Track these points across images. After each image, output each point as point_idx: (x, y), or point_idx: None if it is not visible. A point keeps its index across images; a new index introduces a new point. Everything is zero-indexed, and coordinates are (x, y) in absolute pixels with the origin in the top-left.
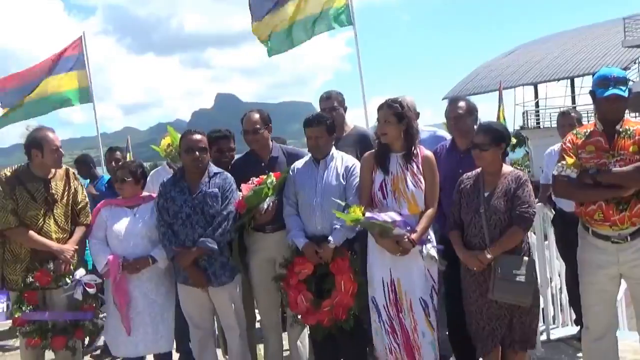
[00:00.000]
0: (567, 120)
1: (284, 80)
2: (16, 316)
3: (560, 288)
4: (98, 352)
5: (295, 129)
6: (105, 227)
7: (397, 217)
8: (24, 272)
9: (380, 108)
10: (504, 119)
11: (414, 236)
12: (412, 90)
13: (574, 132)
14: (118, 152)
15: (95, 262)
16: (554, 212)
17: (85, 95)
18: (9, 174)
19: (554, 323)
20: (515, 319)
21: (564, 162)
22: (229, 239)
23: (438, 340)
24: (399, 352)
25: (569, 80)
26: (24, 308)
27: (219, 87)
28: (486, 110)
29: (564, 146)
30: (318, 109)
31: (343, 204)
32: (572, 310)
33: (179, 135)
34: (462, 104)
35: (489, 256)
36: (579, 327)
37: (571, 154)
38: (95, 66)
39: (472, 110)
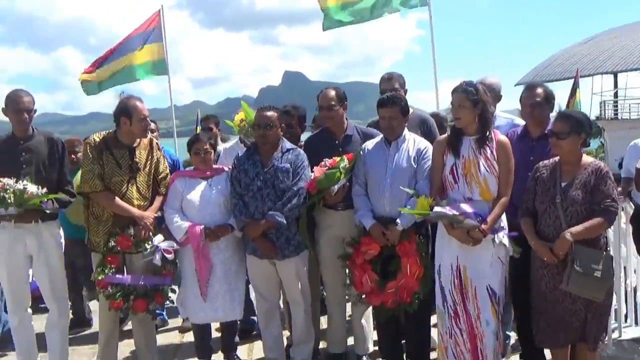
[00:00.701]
0: None
1: (352, 60)
2: (99, 278)
3: (635, 287)
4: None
5: (360, 109)
6: (181, 198)
7: (468, 209)
8: (106, 235)
9: (454, 91)
10: (579, 108)
11: (485, 226)
12: (483, 74)
13: None
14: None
15: (172, 231)
16: (633, 208)
17: (161, 67)
18: (97, 139)
19: (626, 322)
20: (590, 315)
21: None
22: (297, 215)
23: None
24: (459, 336)
25: None
26: (106, 271)
27: (287, 65)
28: (561, 98)
29: None
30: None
31: (411, 192)
32: None
33: (252, 111)
34: (539, 90)
35: (568, 237)
36: None
37: None
38: (168, 39)
39: (549, 98)
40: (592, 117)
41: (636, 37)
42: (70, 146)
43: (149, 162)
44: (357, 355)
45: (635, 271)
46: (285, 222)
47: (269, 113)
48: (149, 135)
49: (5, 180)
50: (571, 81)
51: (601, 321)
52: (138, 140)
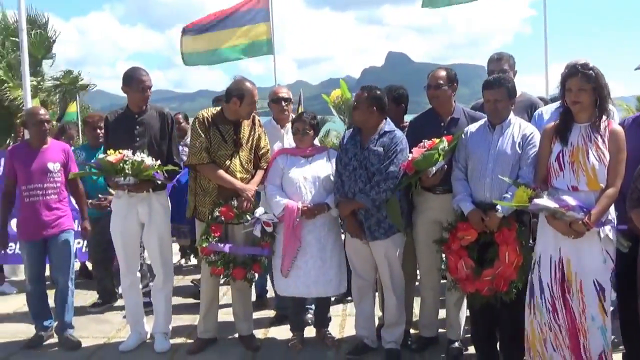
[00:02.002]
0: None
1: (458, 41)
2: (203, 246)
3: None
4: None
5: (464, 93)
6: (282, 175)
7: (572, 202)
8: (211, 206)
9: (572, 75)
10: None
11: (589, 220)
12: (599, 60)
13: None
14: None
15: (271, 206)
16: None
17: (267, 47)
18: (206, 115)
19: None
20: None
21: None
22: (386, 198)
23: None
24: (559, 332)
25: None
26: (210, 239)
27: (390, 45)
28: None
29: None
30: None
31: (511, 182)
32: None
33: (349, 91)
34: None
35: None
36: None
37: None
38: (274, 19)
39: None
40: None
41: None
42: (94, 121)
43: (251, 138)
44: (448, 339)
45: None
46: (370, 204)
47: (365, 95)
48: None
49: (125, 152)
50: None
51: None
52: (243, 119)
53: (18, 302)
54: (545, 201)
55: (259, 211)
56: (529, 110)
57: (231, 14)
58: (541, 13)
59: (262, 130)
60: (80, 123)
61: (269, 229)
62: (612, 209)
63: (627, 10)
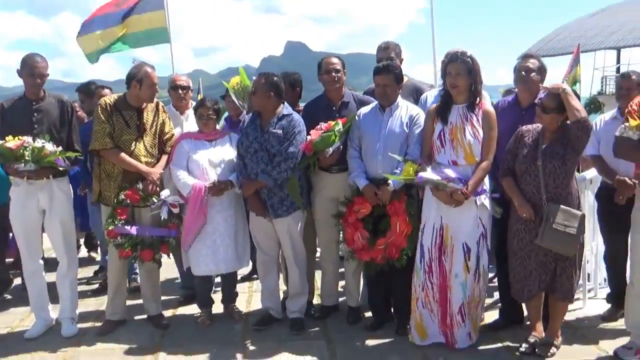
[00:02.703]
0: (627, 83)
1: (356, 31)
2: (109, 229)
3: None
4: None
5: (363, 82)
6: (187, 157)
7: (452, 174)
8: (116, 190)
9: (452, 60)
10: (579, 82)
11: (467, 189)
12: (489, 48)
13: None
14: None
15: (178, 187)
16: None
17: (162, 35)
18: (108, 101)
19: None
20: (559, 269)
21: (627, 124)
22: (287, 177)
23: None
24: (431, 290)
25: None
26: (116, 222)
27: (289, 35)
28: (562, 73)
29: (629, 108)
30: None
31: (400, 158)
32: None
33: (248, 78)
34: (533, 60)
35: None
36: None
37: (635, 117)
38: (170, 5)
39: (542, 70)
40: (594, 92)
41: None
42: None
43: (155, 123)
44: (348, 306)
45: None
46: (272, 183)
47: (262, 81)
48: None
49: (25, 138)
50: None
51: (571, 274)
52: (145, 103)
53: None
54: (429, 174)
55: (165, 193)
56: (414, 94)
57: (123, 2)
58: (433, 4)
59: (167, 116)
60: None
61: (176, 210)
62: (486, 180)
63: (513, 4)
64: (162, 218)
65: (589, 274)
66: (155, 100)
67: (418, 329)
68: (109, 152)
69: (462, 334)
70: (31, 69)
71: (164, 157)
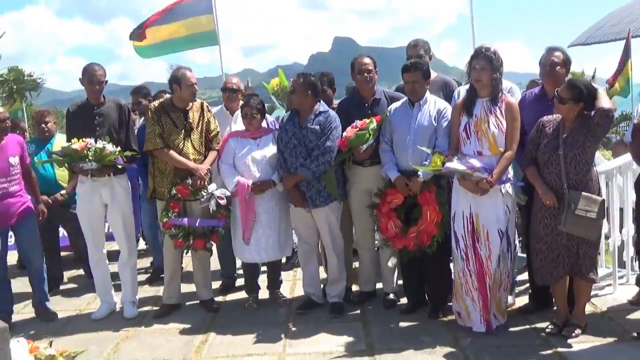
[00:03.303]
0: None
1: (403, 24)
2: (164, 221)
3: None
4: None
5: None
6: (234, 155)
7: (477, 164)
8: (169, 186)
9: (476, 56)
10: (630, 77)
11: (491, 178)
12: (540, 36)
13: None
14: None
15: (225, 183)
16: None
17: (211, 38)
18: (157, 104)
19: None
20: (582, 252)
21: None
22: (325, 170)
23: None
24: (469, 276)
25: None
26: (170, 215)
27: (336, 30)
28: (612, 62)
29: None
30: (436, 55)
31: (429, 151)
32: None
33: (287, 79)
34: (558, 53)
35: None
36: None
37: None
38: (218, 7)
39: (567, 62)
40: None
41: None
42: (41, 117)
43: (200, 122)
44: (384, 292)
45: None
46: (311, 175)
47: (300, 81)
48: (197, 100)
49: (88, 140)
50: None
51: (592, 256)
52: (191, 104)
53: None
54: (455, 164)
55: (212, 187)
56: (444, 89)
57: (175, 6)
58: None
59: (211, 115)
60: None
61: (223, 202)
62: (510, 168)
63: None
64: (211, 210)
65: (619, 260)
66: (199, 100)
67: (467, 312)
68: (160, 152)
69: (494, 317)
70: (90, 77)
71: (211, 154)
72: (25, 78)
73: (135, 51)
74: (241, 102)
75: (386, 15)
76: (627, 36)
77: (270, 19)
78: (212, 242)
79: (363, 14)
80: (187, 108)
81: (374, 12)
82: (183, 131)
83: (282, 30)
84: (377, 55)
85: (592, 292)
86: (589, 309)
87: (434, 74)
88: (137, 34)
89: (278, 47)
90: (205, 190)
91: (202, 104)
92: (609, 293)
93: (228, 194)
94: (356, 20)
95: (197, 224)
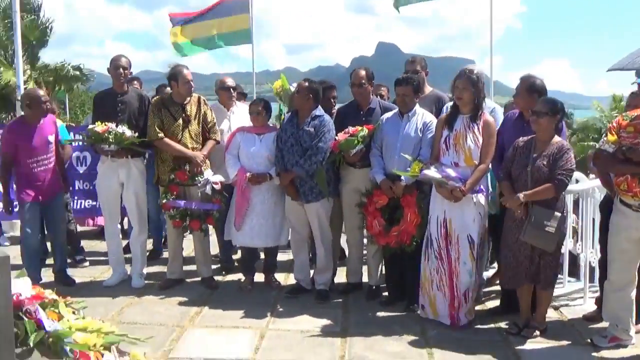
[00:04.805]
0: (634, 101)
1: (450, 34)
2: (164, 202)
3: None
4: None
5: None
6: (239, 147)
7: (452, 174)
8: (169, 172)
9: (459, 77)
10: None
11: (464, 188)
12: (586, 57)
13: (623, 114)
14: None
15: (228, 171)
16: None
17: (247, 36)
18: (157, 99)
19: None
20: (543, 262)
21: (605, 138)
22: (316, 169)
23: (477, 272)
24: (443, 274)
25: None
26: (168, 197)
27: (381, 36)
28: None
29: (610, 125)
30: (480, 67)
31: (410, 158)
32: None
33: (287, 82)
34: (532, 80)
35: (521, 196)
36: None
37: (613, 133)
38: (265, 3)
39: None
40: None
41: None
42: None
43: (198, 114)
44: (368, 284)
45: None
46: (304, 173)
47: (305, 85)
48: None
49: (110, 124)
50: None
51: (553, 267)
52: (188, 98)
53: (12, 252)
54: (431, 172)
55: (208, 173)
56: (436, 103)
57: (215, 5)
58: (532, 9)
59: (207, 108)
60: (67, 101)
61: (217, 187)
62: (484, 180)
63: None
64: (206, 194)
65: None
66: (197, 95)
67: (432, 307)
68: (159, 142)
69: (462, 314)
70: (116, 66)
71: (209, 143)
72: (72, 73)
73: (174, 48)
74: (235, 100)
75: (433, 25)
76: None
77: (316, 20)
78: (208, 224)
79: (410, 21)
80: (185, 102)
81: (421, 21)
82: (181, 123)
83: (327, 32)
84: None
85: (563, 302)
86: (555, 316)
87: (428, 89)
88: (177, 22)
89: (322, 48)
90: (202, 176)
91: (199, 98)
92: (579, 304)
93: (223, 179)
94: (402, 28)
95: (193, 206)
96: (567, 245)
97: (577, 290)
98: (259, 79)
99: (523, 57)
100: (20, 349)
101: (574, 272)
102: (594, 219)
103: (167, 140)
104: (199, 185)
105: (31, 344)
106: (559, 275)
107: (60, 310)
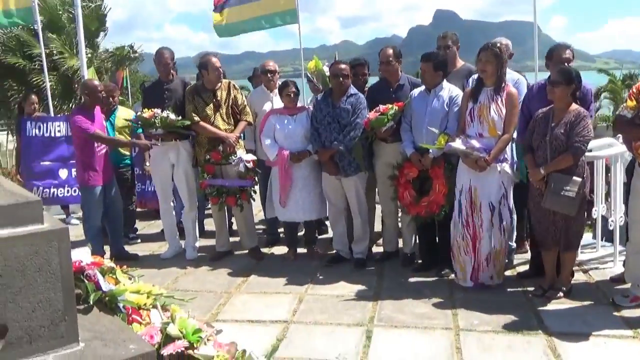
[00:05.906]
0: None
1: None
2: (201, 181)
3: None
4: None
5: (517, 52)
6: (274, 129)
7: (477, 144)
8: (205, 154)
9: (483, 50)
10: None
11: (489, 157)
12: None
13: None
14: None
15: (267, 154)
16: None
17: (293, 16)
18: (191, 87)
19: None
20: (566, 225)
21: (625, 104)
22: (353, 144)
23: (503, 238)
24: (469, 239)
25: None
26: (205, 176)
27: (438, 3)
28: None
29: (630, 91)
30: (544, 30)
31: (436, 131)
32: None
33: (321, 63)
34: (568, 51)
35: (542, 171)
36: None
37: (632, 98)
38: None
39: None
40: None
41: None
42: (109, 92)
43: (228, 99)
44: (403, 252)
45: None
46: (344, 149)
47: (344, 66)
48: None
49: (156, 110)
50: None
51: (577, 230)
52: (219, 84)
53: (76, 232)
54: (456, 144)
55: (240, 152)
56: (468, 77)
57: None
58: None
59: (238, 92)
60: (129, 87)
61: (250, 165)
62: (508, 149)
63: None
64: (240, 172)
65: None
66: (227, 80)
67: (462, 272)
68: (195, 125)
69: (486, 276)
70: (160, 59)
71: (240, 124)
72: (127, 53)
73: (214, 30)
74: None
75: None
76: None
77: None
78: (243, 200)
79: None
80: (216, 88)
81: None
82: (212, 107)
83: (382, 2)
84: (481, 30)
85: (593, 266)
86: (583, 278)
87: (460, 63)
88: (219, 8)
89: (377, 19)
90: (235, 155)
91: (229, 83)
92: (609, 267)
93: (255, 158)
94: None
95: (227, 184)
96: (600, 209)
97: (609, 255)
98: (317, 54)
99: (589, 17)
100: (82, 306)
101: (611, 238)
102: (624, 183)
103: (202, 123)
104: (232, 163)
105: (91, 302)
106: (592, 240)
107: (118, 276)
